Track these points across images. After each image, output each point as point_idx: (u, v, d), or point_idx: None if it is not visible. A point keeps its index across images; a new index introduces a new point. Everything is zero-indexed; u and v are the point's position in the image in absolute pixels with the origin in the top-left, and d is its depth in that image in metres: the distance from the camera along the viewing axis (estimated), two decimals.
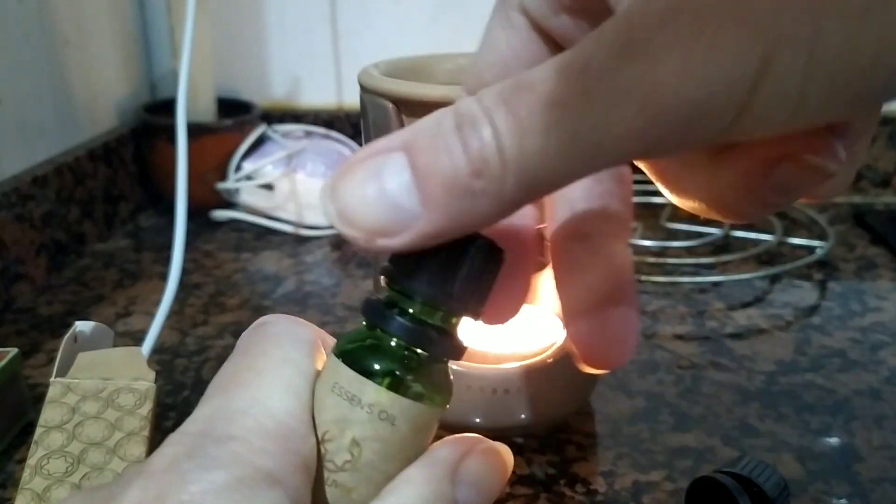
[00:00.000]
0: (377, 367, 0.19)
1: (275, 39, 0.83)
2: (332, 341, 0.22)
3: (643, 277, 0.62)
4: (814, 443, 0.43)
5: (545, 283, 0.44)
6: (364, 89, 0.38)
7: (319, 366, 0.21)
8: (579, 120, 0.15)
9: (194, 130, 0.61)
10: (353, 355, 0.20)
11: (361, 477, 0.19)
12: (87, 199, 0.68)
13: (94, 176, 0.70)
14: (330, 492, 0.19)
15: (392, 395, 0.19)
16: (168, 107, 0.67)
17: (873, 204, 0.80)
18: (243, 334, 0.22)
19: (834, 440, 0.43)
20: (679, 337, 0.54)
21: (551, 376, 0.40)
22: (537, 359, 0.40)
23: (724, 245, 0.69)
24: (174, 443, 0.18)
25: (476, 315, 0.20)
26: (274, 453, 0.18)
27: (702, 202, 0.19)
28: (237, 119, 0.75)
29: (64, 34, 0.67)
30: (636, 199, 0.77)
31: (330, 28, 0.82)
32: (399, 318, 0.20)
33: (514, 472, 0.40)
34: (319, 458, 0.19)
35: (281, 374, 0.20)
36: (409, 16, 0.81)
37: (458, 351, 0.21)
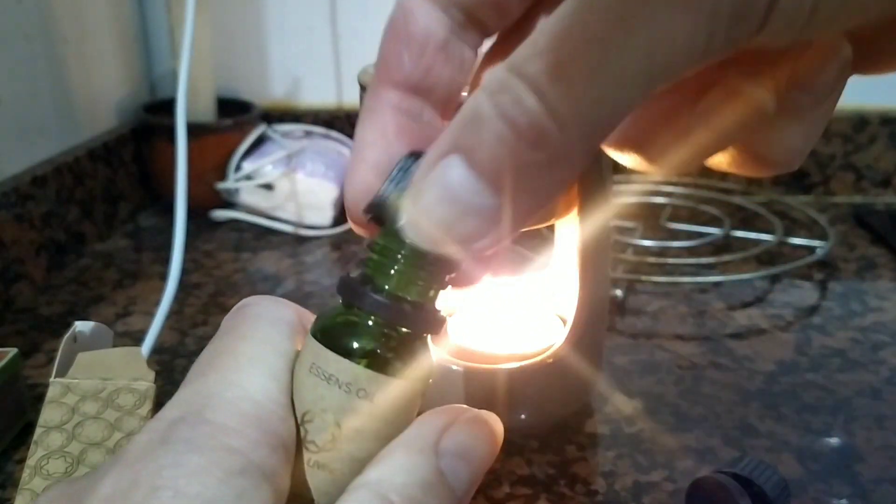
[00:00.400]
0: (354, 345, 0.19)
1: (275, 39, 0.83)
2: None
3: (643, 277, 0.62)
4: (814, 443, 0.43)
5: (545, 284, 0.44)
6: (364, 89, 0.38)
7: (300, 347, 0.20)
8: (624, 48, 0.14)
9: (194, 130, 0.61)
10: (330, 334, 0.20)
11: (343, 456, 0.19)
12: (87, 199, 0.68)
13: (94, 176, 0.70)
14: (311, 472, 0.19)
15: (370, 372, 0.19)
16: (168, 107, 0.67)
17: (873, 204, 0.80)
18: (225, 317, 0.22)
19: (834, 440, 0.43)
20: (679, 337, 0.54)
21: (551, 376, 0.40)
22: (537, 359, 0.40)
23: (724, 245, 0.69)
24: (150, 430, 0.18)
25: (452, 280, 0.20)
26: (251, 436, 0.18)
27: (628, 145, 0.19)
28: (237, 119, 0.75)
29: (64, 34, 0.67)
30: (636, 200, 0.77)
31: (330, 28, 0.82)
32: (374, 295, 0.19)
33: (514, 472, 0.40)
34: (299, 440, 0.19)
35: (259, 357, 0.20)
36: None
37: (436, 325, 0.20)
